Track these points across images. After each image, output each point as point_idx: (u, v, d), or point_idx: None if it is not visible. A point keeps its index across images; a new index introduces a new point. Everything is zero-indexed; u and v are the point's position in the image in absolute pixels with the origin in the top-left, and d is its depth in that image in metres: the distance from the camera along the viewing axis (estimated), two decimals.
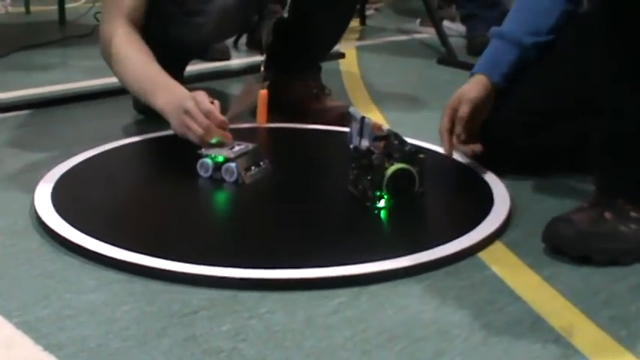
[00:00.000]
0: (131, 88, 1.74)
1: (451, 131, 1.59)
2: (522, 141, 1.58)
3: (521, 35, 1.59)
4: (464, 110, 1.57)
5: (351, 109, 1.67)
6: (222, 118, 1.58)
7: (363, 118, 1.57)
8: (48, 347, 1.02)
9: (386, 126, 1.56)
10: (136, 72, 1.70)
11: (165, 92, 1.65)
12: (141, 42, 1.72)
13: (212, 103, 1.58)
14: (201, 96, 1.58)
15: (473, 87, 1.59)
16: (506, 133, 1.59)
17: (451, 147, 1.61)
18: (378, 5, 4.15)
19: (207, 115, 1.56)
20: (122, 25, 1.73)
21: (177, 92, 1.64)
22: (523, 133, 1.58)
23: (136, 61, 1.70)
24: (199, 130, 1.56)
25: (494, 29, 1.62)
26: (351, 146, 1.56)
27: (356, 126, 1.60)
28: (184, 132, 1.59)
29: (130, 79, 1.72)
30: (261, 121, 1.93)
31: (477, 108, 1.58)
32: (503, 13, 2.92)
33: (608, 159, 1.30)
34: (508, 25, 1.62)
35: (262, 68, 1.99)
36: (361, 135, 1.56)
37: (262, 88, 1.95)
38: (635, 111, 1.25)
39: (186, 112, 1.57)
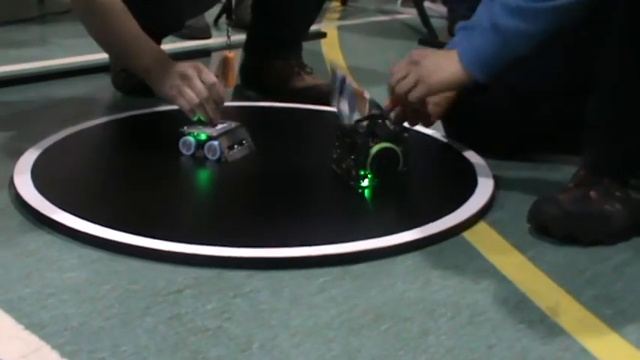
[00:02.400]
0: (108, 44, 1.67)
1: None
2: (508, 121, 1.58)
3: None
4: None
5: (335, 68, 1.65)
6: (222, 94, 1.56)
7: (344, 78, 1.55)
8: (30, 326, 1.01)
9: (367, 94, 1.53)
10: (119, 29, 1.62)
11: (151, 53, 1.61)
12: (121, 2, 1.65)
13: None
14: (204, 67, 1.56)
15: None
16: (491, 113, 1.58)
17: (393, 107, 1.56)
18: None
19: (210, 87, 1.54)
20: None
21: (166, 56, 1.62)
22: (509, 113, 1.57)
23: (121, 19, 1.62)
24: (195, 99, 1.54)
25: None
26: (333, 104, 1.55)
27: (337, 86, 1.57)
28: (174, 96, 1.56)
29: (111, 36, 1.64)
30: (229, 86, 1.92)
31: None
32: None
33: (595, 137, 1.31)
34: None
35: (228, 34, 1.97)
36: (341, 94, 1.54)
37: (229, 52, 1.93)
38: (625, 90, 1.25)
39: (185, 77, 1.54)
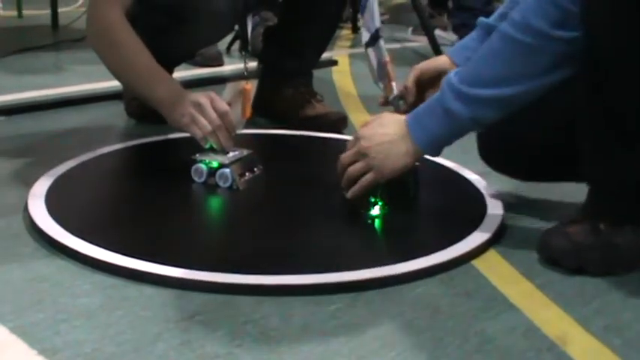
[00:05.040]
0: (123, 76, 1.69)
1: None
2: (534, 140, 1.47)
3: (494, 23, 1.51)
4: (408, 78, 1.55)
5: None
6: (234, 123, 1.58)
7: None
8: (42, 351, 1.02)
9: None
10: (133, 60, 1.64)
11: (164, 84, 1.63)
12: (135, 33, 1.67)
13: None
14: (216, 96, 1.58)
15: (426, 61, 1.58)
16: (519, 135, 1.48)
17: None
18: (382, 17, 4.12)
19: (222, 115, 1.56)
20: (119, 12, 1.66)
21: (179, 86, 1.64)
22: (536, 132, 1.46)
23: (136, 51, 1.64)
24: (208, 127, 1.55)
25: (481, 19, 1.56)
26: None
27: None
28: (187, 124, 1.57)
29: (125, 67, 1.66)
30: (245, 116, 1.94)
31: (424, 79, 1.57)
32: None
33: (596, 184, 1.30)
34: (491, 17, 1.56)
35: (245, 65, 2.00)
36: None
37: (246, 84, 1.96)
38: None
39: (198, 106, 1.56)
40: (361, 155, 1.40)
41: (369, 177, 1.40)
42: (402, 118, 1.38)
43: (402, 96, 1.53)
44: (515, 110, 1.31)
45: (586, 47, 1.20)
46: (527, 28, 1.23)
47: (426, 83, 1.57)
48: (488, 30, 1.50)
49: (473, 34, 1.57)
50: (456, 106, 1.30)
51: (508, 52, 1.26)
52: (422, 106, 1.38)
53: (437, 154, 1.39)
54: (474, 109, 1.30)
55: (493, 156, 1.53)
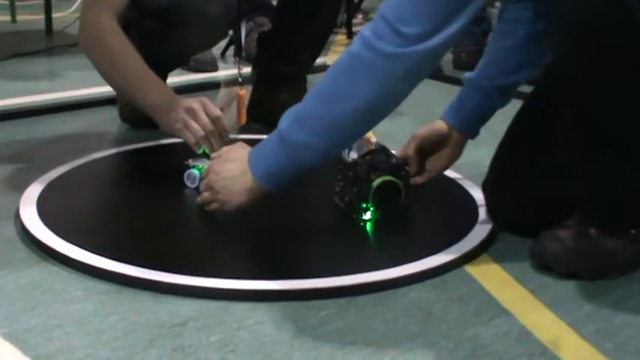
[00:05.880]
0: (115, 81, 1.69)
1: None
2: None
3: (481, 79, 1.49)
4: (409, 147, 1.56)
5: None
6: (226, 128, 1.59)
7: None
8: (36, 358, 1.02)
9: (374, 138, 1.57)
10: (126, 66, 1.64)
11: (157, 90, 1.63)
12: (128, 39, 1.67)
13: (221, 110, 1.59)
14: (209, 101, 1.59)
15: (425, 128, 1.56)
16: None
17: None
18: None
19: (215, 120, 1.56)
20: (111, 18, 1.66)
21: (171, 92, 1.64)
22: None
23: (128, 56, 1.64)
24: (200, 132, 1.55)
25: (466, 75, 1.52)
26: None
27: None
28: (180, 129, 1.57)
29: (117, 73, 1.65)
30: (240, 123, 1.94)
31: (425, 146, 1.56)
32: (489, 29, 2.97)
33: (585, 194, 1.29)
34: (475, 71, 1.51)
35: (239, 72, 2.00)
36: (350, 148, 1.57)
37: (240, 90, 1.96)
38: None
39: (191, 111, 1.56)
40: (209, 187, 1.40)
41: (214, 206, 1.40)
42: (249, 152, 1.34)
43: (406, 163, 1.50)
44: (354, 134, 1.29)
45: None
46: (359, 37, 1.21)
47: (427, 149, 1.57)
48: (475, 86, 1.49)
49: (460, 93, 1.53)
50: (289, 131, 1.26)
51: (341, 64, 1.23)
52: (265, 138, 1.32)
53: (279, 190, 1.32)
54: (303, 134, 1.24)
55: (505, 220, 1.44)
